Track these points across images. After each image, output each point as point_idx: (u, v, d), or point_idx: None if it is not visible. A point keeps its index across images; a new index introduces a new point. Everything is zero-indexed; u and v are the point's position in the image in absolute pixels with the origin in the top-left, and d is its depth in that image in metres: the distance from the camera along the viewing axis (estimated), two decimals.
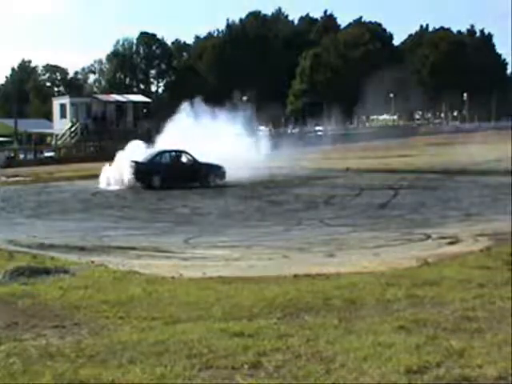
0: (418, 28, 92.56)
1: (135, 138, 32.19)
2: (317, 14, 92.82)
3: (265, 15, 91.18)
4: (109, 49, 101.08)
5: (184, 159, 28.17)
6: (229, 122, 33.33)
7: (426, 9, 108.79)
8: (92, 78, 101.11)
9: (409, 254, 12.09)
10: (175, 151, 28.38)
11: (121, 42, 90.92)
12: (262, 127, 34.22)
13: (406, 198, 22.11)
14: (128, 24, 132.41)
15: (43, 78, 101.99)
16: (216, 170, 27.72)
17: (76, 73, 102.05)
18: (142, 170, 27.57)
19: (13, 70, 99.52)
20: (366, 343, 6.14)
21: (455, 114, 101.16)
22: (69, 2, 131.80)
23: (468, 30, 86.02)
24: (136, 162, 27.79)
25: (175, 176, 27.08)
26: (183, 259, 12.41)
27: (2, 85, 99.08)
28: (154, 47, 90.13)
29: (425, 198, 21.86)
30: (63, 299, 8.42)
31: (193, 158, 27.79)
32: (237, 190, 25.94)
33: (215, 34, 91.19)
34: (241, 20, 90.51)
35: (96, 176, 31.58)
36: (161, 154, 28.31)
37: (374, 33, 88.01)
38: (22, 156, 51.13)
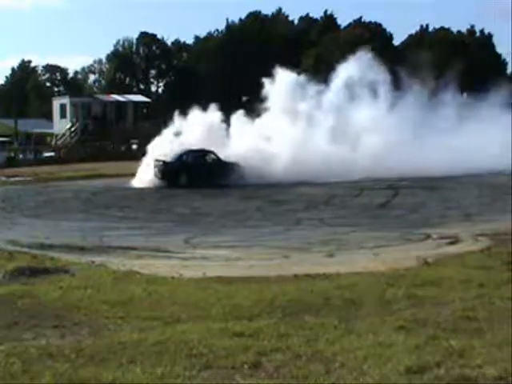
0: (418, 28, 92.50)
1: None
2: (317, 14, 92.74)
3: (265, 15, 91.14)
4: (109, 49, 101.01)
5: (209, 158, 28.37)
6: None
7: (425, 9, 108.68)
8: (92, 77, 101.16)
9: (409, 254, 12.10)
10: (201, 150, 28.57)
11: (121, 42, 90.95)
12: None
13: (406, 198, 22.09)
14: (128, 24, 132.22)
15: (43, 78, 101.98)
16: (240, 169, 27.75)
17: (76, 73, 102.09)
18: (168, 169, 27.72)
19: (13, 69, 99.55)
20: (365, 343, 6.15)
21: None
22: (69, 2, 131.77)
23: (468, 30, 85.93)
24: (163, 161, 27.97)
25: (201, 175, 27.30)
26: (183, 259, 12.42)
27: (2, 85, 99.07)
28: (154, 47, 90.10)
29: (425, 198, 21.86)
30: (63, 299, 8.42)
31: (217, 157, 27.97)
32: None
33: (215, 34, 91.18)
34: (241, 20, 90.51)
35: (96, 176, 31.70)
36: (187, 153, 28.49)
37: (374, 33, 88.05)
38: (21, 156, 51.11)
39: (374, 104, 31.05)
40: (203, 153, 28.47)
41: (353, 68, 31.21)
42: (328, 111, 30.23)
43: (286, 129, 29.45)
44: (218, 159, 27.97)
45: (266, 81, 31.29)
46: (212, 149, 28.33)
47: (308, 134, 29.20)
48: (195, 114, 30.92)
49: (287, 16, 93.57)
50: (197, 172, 27.46)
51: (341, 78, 31.16)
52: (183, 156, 28.33)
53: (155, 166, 27.98)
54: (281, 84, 31.10)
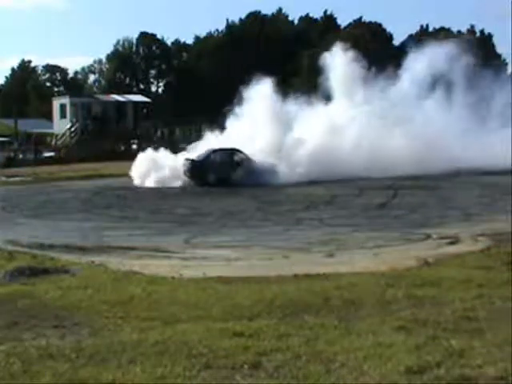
0: (418, 28, 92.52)
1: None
2: (317, 14, 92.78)
3: (265, 15, 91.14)
4: (109, 49, 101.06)
5: (238, 158, 28.34)
6: None
7: (425, 9, 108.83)
8: (92, 77, 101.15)
9: (409, 254, 12.09)
10: (229, 149, 28.54)
11: (121, 42, 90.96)
12: None
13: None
14: (128, 24, 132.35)
15: (43, 78, 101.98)
16: (269, 169, 27.66)
17: (76, 73, 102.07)
18: (197, 168, 27.84)
19: (13, 70, 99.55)
20: (365, 343, 6.15)
21: None
22: (69, 2, 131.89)
23: (468, 30, 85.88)
24: (191, 160, 28.12)
25: (229, 174, 27.43)
26: (183, 259, 12.41)
27: (2, 85, 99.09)
28: (154, 47, 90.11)
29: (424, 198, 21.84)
30: (63, 299, 8.43)
31: (246, 156, 27.95)
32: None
33: (215, 34, 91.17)
34: (241, 20, 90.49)
35: (96, 176, 31.71)
36: (215, 152, 28.50)
37: (374, 33, 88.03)
38: (21, 156, 51.11)
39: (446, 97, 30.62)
40: (232, 152, 28.42)
41: (427, 58, 30.61)
42: (397, 103, 29.71)
43: (350, 121, 29.06)
44: (247, 159, 27.86)
45: (325, 62, 30.86)
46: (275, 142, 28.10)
47: (375, 127, 28.76)
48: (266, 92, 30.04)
49: (287, 16, 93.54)
50: (224, 171, 27.48)
51: (413, 69, 30.67)
52: (211, 155, 28.33)
53: (184, 165, 28.09)
54: (344, 70, 30.63)
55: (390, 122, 28.92)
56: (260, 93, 30.01)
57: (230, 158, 28.29)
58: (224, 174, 27.43)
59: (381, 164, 26.58)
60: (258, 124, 29.17)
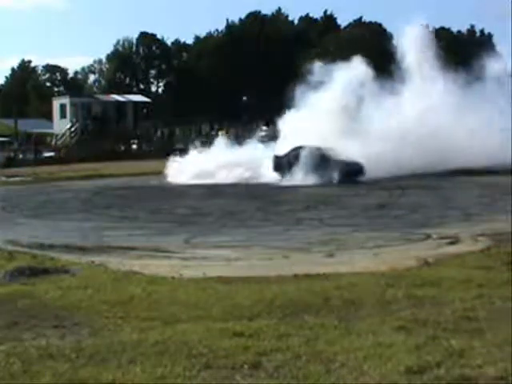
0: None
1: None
2: (317, 14, 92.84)
3: (265, 15, 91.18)
4: (109, 49, 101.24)
5: (324, 154, 28.03)
6: None
7: (425, 9, 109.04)
8: (92, 77, 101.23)
9: (409, 254, 12.08)
10: (313, 147, 28.26)
11: (121, 42, 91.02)
12: None
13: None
14: (128, 24, 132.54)
15: (43, 78, 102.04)
16: (352, 167, 27.43)
17: (76, 73, 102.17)
18: (279, 163, 28.36)
19: (13, 70, 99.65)
20: (366, 343, 6.15)
21: None
22: (69, 2, 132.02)
23: (468, 30, 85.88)
24: (277, 156, 28.68)
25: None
26: (183, 259, 12.41)
27: (2, 85, 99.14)
28: (154, 47, 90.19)
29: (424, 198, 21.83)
30: (63, 299, 8.42)
31: (328, 153, 27.75)
32: None
33: (215, 34, 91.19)
34: (241, 20, 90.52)
35: (96, 176, 31.72)
36: (299, 148, 28.49)
37: (374, 33, 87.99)
38: (21, 156, 51.15)
39: None
40: (316, 149, 28.13)
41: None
42: (476, 99, 29.39)
43: (428, 111, 28.73)
44: (330, 156, 27.71)
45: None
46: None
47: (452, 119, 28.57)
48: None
49: (287, 16, 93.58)
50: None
51: (493, 67, 30.69)
52: (294, 151, 28.45)
53: (272, 161, 28.60)
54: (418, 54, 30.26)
55: (467, 116, 28.67)
56: (351, 75, 29.29)
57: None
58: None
59: (460, 158, 26.55)
60: (345, 114, 28.74)
